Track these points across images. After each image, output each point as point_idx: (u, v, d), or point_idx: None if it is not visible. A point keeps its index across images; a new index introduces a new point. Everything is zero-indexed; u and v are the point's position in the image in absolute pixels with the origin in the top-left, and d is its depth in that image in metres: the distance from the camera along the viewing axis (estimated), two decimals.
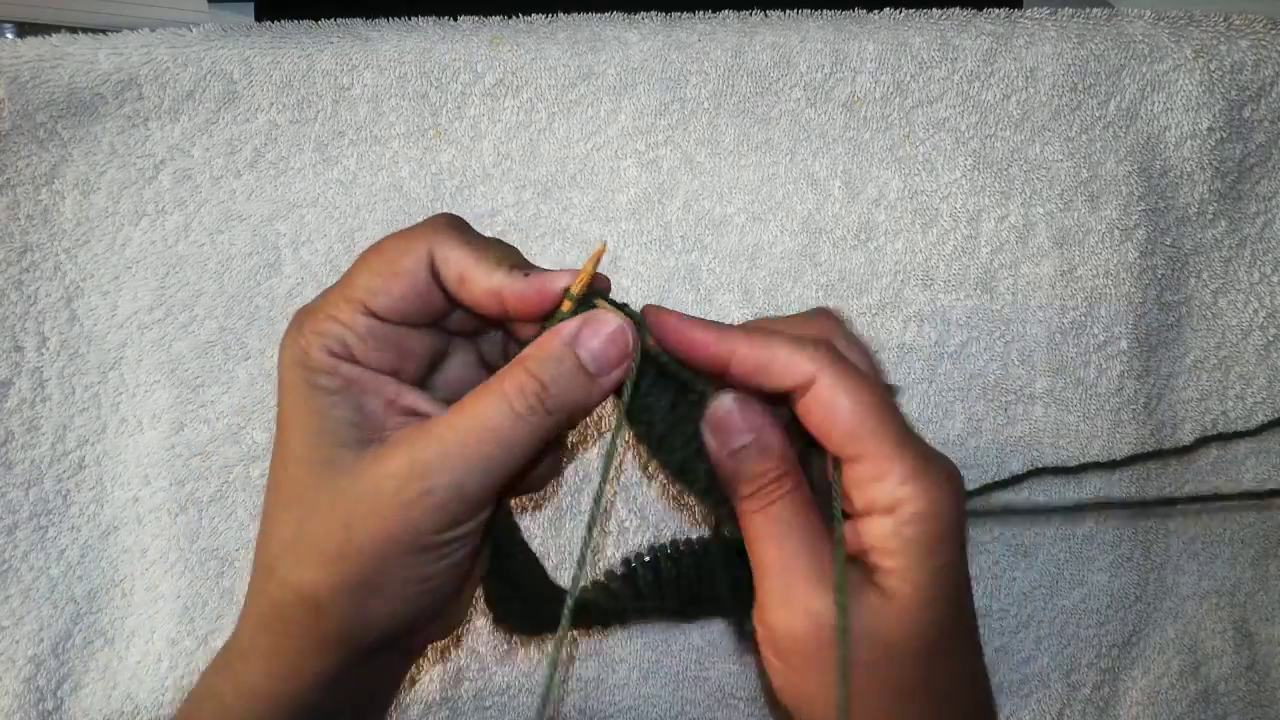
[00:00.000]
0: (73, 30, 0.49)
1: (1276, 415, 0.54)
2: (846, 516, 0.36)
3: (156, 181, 0.50)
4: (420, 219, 0.50)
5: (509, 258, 0.36)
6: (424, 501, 0.33)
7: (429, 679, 0.51)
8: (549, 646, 0.51)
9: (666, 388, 0.37)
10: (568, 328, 0.35)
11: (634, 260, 0.51)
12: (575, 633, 0.51)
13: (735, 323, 0.44)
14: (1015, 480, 0.51)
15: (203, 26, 0.49)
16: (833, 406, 0.34)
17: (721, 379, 0.36)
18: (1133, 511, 0.53)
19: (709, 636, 0.52)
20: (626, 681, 0.52)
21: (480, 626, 0.51)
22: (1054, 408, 0.52)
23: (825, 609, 0.34)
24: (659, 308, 0.36)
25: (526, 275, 0.35)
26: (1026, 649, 0.53)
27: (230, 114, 0.50)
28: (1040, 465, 0.52)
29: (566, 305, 0.35)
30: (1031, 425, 0.52)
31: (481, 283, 0.35)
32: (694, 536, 0.44)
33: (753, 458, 0.36)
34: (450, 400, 0.38)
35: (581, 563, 0.35)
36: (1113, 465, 0.52)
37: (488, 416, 0.34)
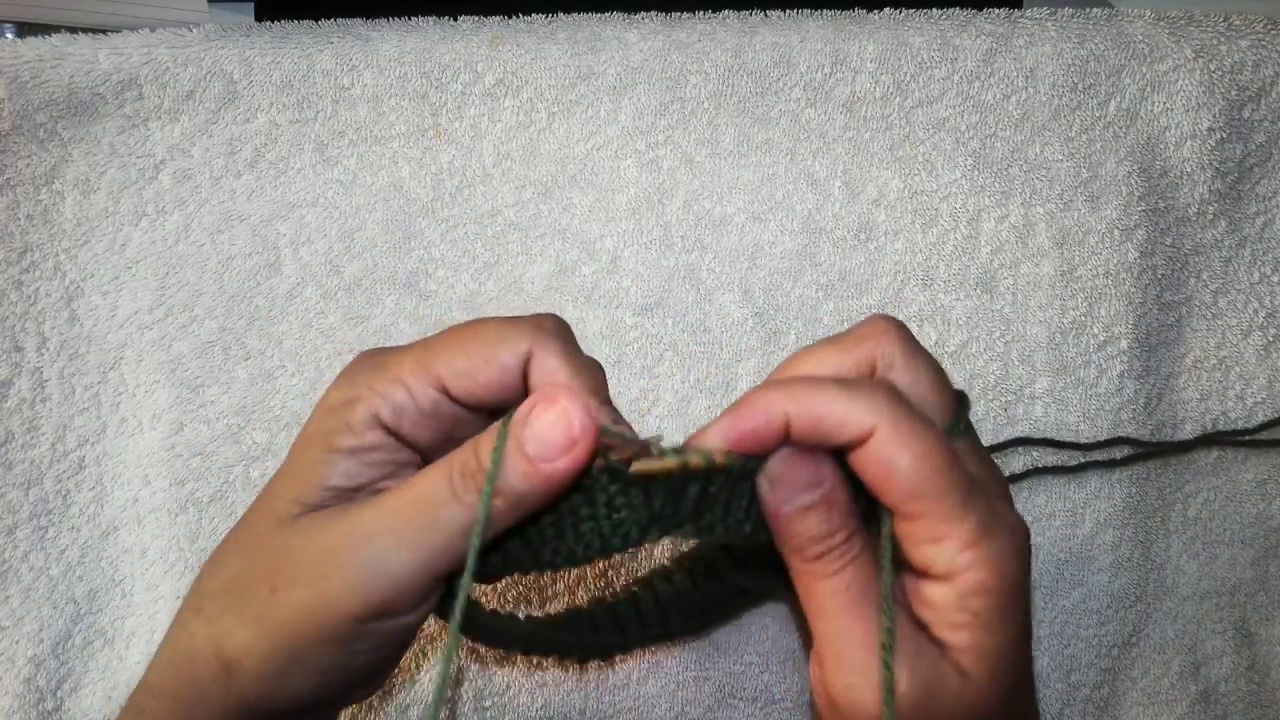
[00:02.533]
0: (73, 30, 0.49)
1: (1276, 415, 0.54)
2: (898, 568, 0.33)
3: (156, 181, 0.50)
4: (420, 219, 0.51)
5: (601, 389, 0.34)
6: (341, 576, 0.30)
7: (429, 679, 0.51)
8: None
9: (692, 488, 0.33)
10: (518, 411, 0.31)
11: (634, 260, 0.51)
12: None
13: (737, 325, 0.43)
14: (1014, 480, 0.51)
15: (203, 26, 0.49)
16: (892, 463, 0.30)
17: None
18: (1133, 510, 0.53)
19: (709, 637, 0.52)
20: (627, 682, 0.52)
21: None
22: (1054, 408, 0.52)
23: (905, 686, 0.31)
24: (707, 432, 0.32)
25: (615, 420, 0.32)
26: None
27: (230, 114, 0.50)
28: (1040, 465, 0.52)
29: (646, 469, 0.31)
30: (1031, 425, 0.52)
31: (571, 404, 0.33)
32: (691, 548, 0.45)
33: (820, 514, 0.32)
34: None
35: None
36: (1112, 464, 0.52)
37: (423, 492, 0.31)
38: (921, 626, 0.32)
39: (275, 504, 0.33)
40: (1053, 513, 0.53)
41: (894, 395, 0.31)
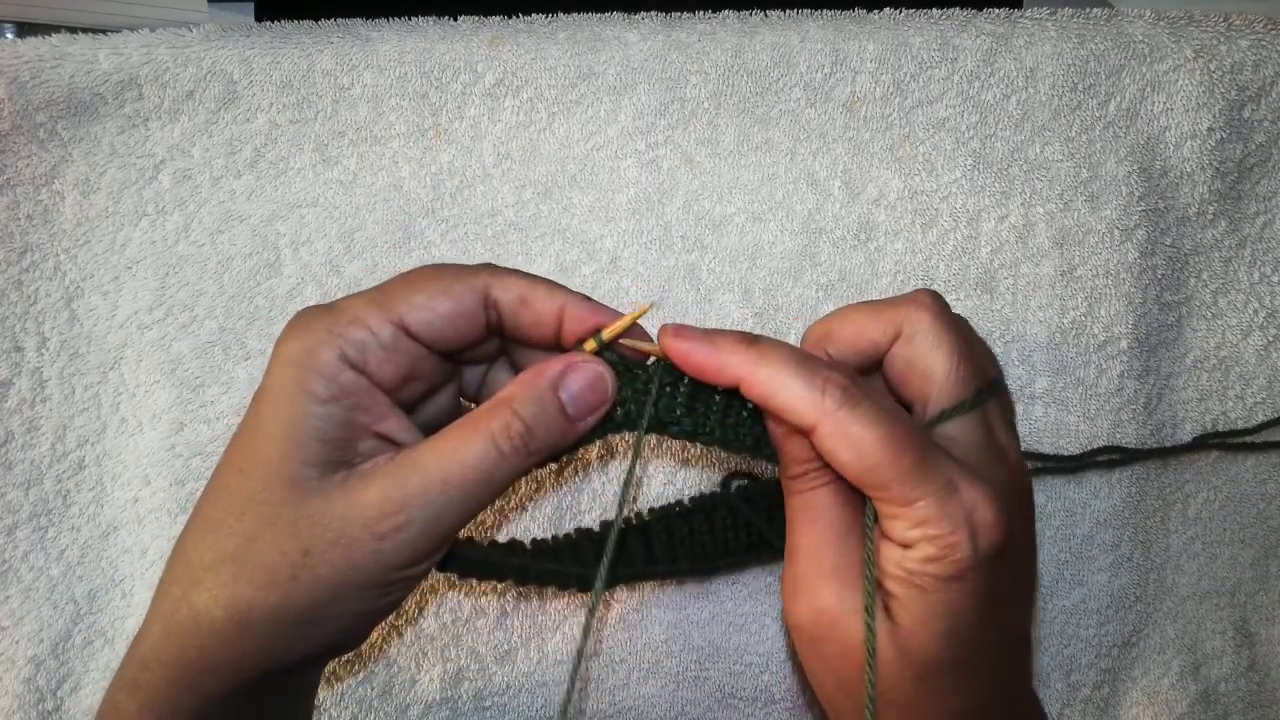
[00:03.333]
0: (73, 30, 0.49)
1: (1276, 415, 0.54)
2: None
3: (156, 181, 0.50)
4: (420, 219, 0.51)
5: (563, 286, 0.37)
6: (396, 536, 0.33)
7: (429, 679, 0.51)
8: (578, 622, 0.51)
9: (692, 389, 0.37)
10: (551, 369, 0.35)
11: (634, 260, 0.51)
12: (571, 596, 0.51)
13: (737, 325, 0.44)
14: None
15: (203, 26, 0.49)
16: (834, 453, 0.33)
17: None
18: (1133, 510, 0.53)
19: (709, 637, 0.52)
20: (627, 682, 0.51)
21: (480, 626, 0.51)
22: (1054, 408, 0.52)
23: (832, 604, 0.34)
24: (674, 331, 0.36)
25: (587, 299, 0.37)
26: None
27: (230, 114, 0.50)
28: (1040, 465, 0.52)
29: (590, 345, 0.37)
30: (1031, 425, 0.52)
31: (546, 299, 0.36)
32: (714, 491, 0.45)
33: (802, 440, 0.35)
34: (424, 428, 0.38)
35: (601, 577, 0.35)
36: (1111, 464, 0.52)
37: (471, 454, 0.33)
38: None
39: (274, 466, 0.33)
40: (1052, 513, 0.53)
41: (845, 391, 0.33)
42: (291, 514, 0.33)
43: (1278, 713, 0.55)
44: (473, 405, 0.41)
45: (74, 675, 0.50)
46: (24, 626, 0.49)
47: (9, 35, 0.54)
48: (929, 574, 0.33)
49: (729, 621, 0.52)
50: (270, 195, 0.51)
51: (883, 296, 0.51)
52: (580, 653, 0.34)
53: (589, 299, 0.37)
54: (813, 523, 0.35)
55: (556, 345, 0.38)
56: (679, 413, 0.37)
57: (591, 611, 0.35)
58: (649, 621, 0.51)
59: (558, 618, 0.51)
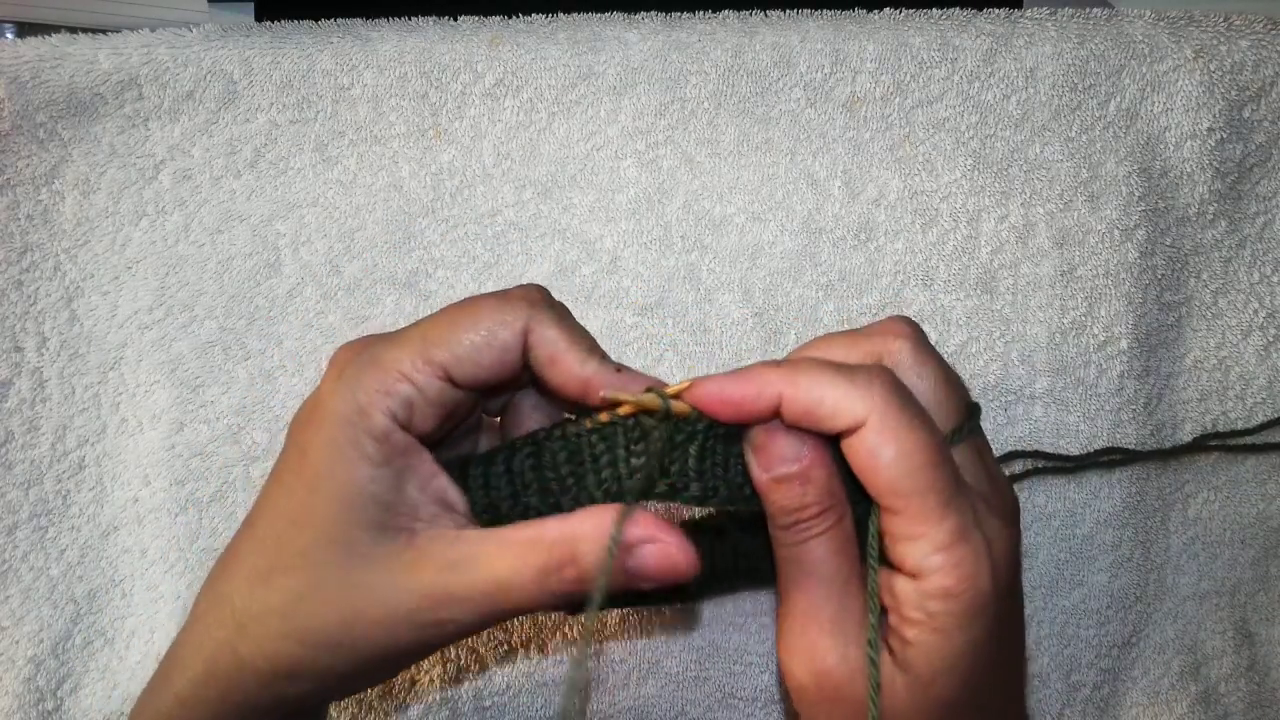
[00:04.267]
0: (73, 30, 0.49)
1: (1277, 415, 0.54)
2: (884, 562, 0.33)
3: (156, 181, 0.50)
4: (420, 219, 0.51)
5: (598, 349, 0.35)
6: (437, 629, 0.33)
7: (429, 679, 0.51)
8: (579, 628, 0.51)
9: (694, 442, 0.34)
10: (633, 533, 0.32)
11: (634, 260, 0.51)
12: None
13: (737, 325, 0.44)
14: (1014, 479, 0.51)
15: (203, 26, 0.49)
16: (876, 455, 0.31)
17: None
18: (1133, 510, 0.53)
19: (709, 637, 0.52)
20: (627, 682, 0.52)
21: None
22: (1054, 408, 0.52)
23: (835, 666, 0.32)
24: (703, 382, 0.33)
25: (618, 371, 0.34)
26: (1027, 649, 0.53)
27: (230, 114, 0.50)
28: (1041, 465, 0.52)
29: (625, 409, 0.33)
30: (1031, 425, 0.52)
31: (575, 369, 0.34)
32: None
33: (794, 488, 0.33)
34: (439, 443, 0.37)
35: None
36: (1112, 464, 0.52)
37: (523, 582, 0.32)
38: (884, 612, 0.33)
39: (328, 527, 0.32)
40: (1053, 513, 0.53)
41: (891, 387, 0.32)
42: (342, 578, 0.32)
43: (1278, 713, 0.55)
44: (496, 421, 0.40)
45: (74, 675, 0.50)
46: (24, 626, 0.49)
47: (9, 35, 0.54)
48: (950, 613, 0.31)
49: (729, 621, 0.52)
50: (270, 195, 0.51)
51: (883, 296, 0.52)
52: (572, 681, 0.34)
53: (620, 370, 0.34)
54: (807, 577, 0.34)
55: (581, 404, 0.35)
56: (690, 476, 0.34)
57: (586, 640, 0.34)
58: (649, 622, 0.51)
59: (558, 618, 0.51)
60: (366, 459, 0.32)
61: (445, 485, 0.34)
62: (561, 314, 0.35)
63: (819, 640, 0.33)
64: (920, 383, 0.35)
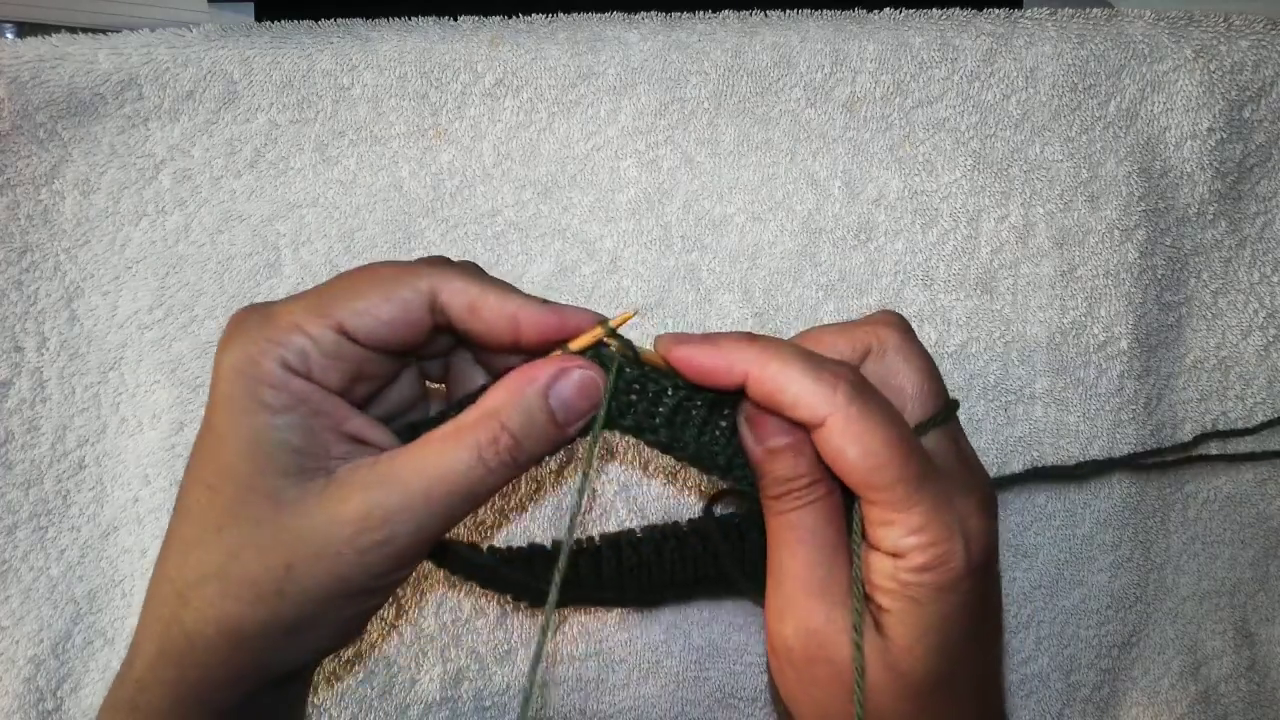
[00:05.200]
0: (73, 30, 0.49)
1: (1277, 415, 0.54)
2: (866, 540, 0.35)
3: (156, 181, 0.50)
4: (420, 219, 0.51)
5: (516, 289, 0.35)
6: (379, 550, 0.32)
7: (429, 679, 0.51)
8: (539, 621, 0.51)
9: (669, 394, 0.36)
10: (541, 373, 0.34)
11: (634, 260, 0.51)
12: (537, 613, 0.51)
13: (737, 325, 0.44)
14: (1015, 479, 0.51)
15: (203, 26, 0.49)
16: (843, 453, 0.33)
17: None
18: (1133, 511, 0.53)
19: (709, 637, 0.52)
20: (627, 682, 0.52)
21: (480, 626, 0.51)
22: (1054, 408, 0.52)
23: (822, 626, 0.34)
24: (675, 338, 0.35)
25: (544, 304, 0.35)
26: (1027, 649, 0.53)
27: (230, 114, 0.50)
28: (1040, 465, 0.52)
29: (558, 352, 0.35)
30: (1031, 425, 0.52)
31: (496, 308, 0.34)
32: (668, 522, 0.45)
33: (788, 459, 0.35)
34: (389, 418, 0.37)
35: (557, 579, 0.34)
36: (1112, 465, 0.52)
37: (456, 467, 0.33)
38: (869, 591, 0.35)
39: (245, 480, 0.32)
40: (1053, 513, 0.53)
41: (855, 385, 0.33)
42: (271, 527, 0.32)
43: (1278, 713, 0.55)
44: (440, 388, 0.40)
45: (74, 675, 0.50)
46: (24, 626, 0.49)
47: (9, 35, 0.54)
48: (923, 584, 0.32)
49: (729, 621, 0.52)
50: (270, 195, 0.51)
51: (883, 296, 0.52)
52: (532, 672, 0.33)
53: (545, 302, 0.35)
54: (798, 543, 0.35)
55: (515, 348, 0.36)
56: (658, 421, 0.36)
57: (544, 630, 0.33)
58: (649, 621, 0.51)
59: (557, 618, 0.51)
60: (265, 407, 0.32)
61: (364, 425, 0.34)
62: (471, 269, 0.36)
63: (807, 602, 0.34)
64: (906, 367, 0.36)
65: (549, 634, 0.35)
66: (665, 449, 0.37)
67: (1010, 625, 0.53)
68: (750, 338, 0.35)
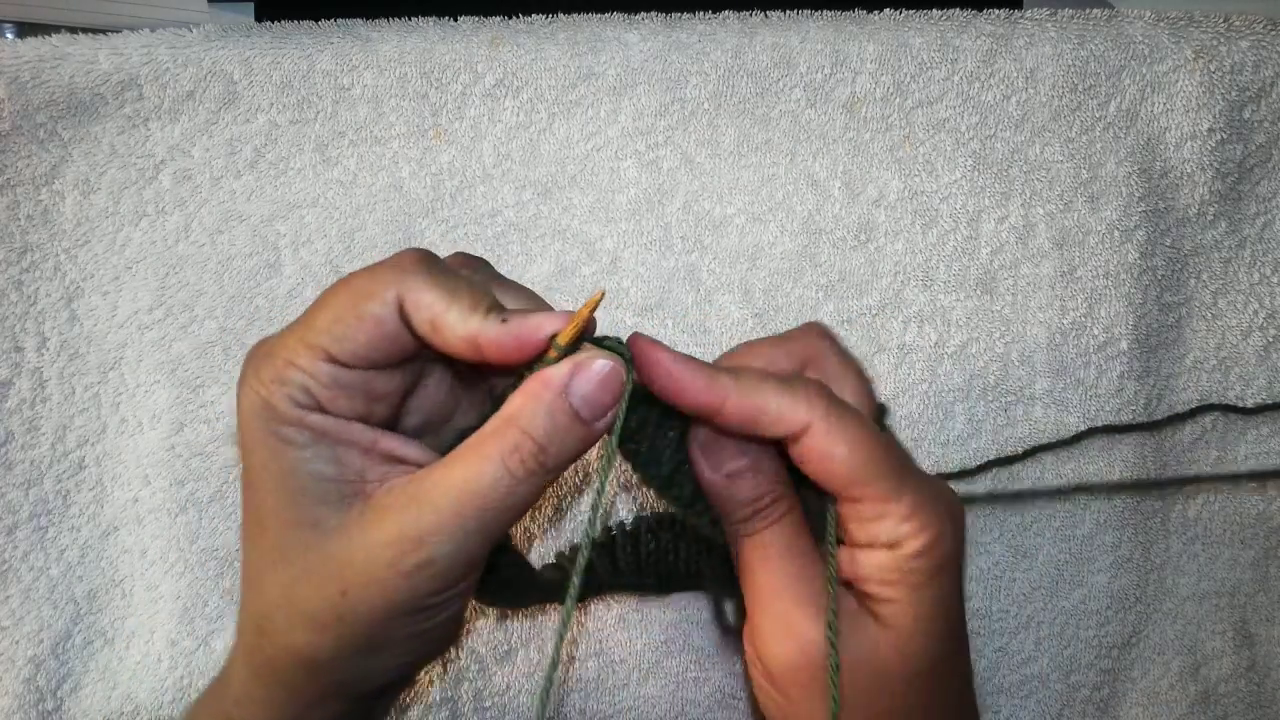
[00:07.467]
0: (73, 30, 0.49)
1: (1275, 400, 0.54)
2: (840, 543, 0.36)
3: (156, 181, 0.50)
4: (420, 219, 0.51)
5: (483, 301, 0.33)
6: (423, 571, 0.32)
7: (429, 679, 0.51)
8: (553, 626, 0.51)
9: (647, 406, 0.36)
10: (557, 375, 0.32)
11: (634, 261, 0.51)
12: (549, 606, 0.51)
13: (737, 326, 0.44)
14: (1015, 459, 0.51)
15: (203, 26, 0.49)
16: (830, 455, 0.33)
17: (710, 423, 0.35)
18: (1133, 511, 0.53)
19: (710, 637, 0.52)
20: (627, 682, 0.52)
21: (480, 626, 0.51)
22: (1054, 408, 0.52)
23: (817, 637, 0.34)
24: (647, 341, 0.34)
25: (504, 321, 0.32)
26: (1027, 650, 0.53)
27: (230, 114, 0.50)
28: (1038, 444, 0.51)
29: (552, 354, 0.33)
30: (1031, 426, 0.52)
31: (456, 330, 0.32)
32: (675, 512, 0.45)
33: (748, 481, 0.35)
34: (426, 426, 0.37)
35: (578, 573, 0.34)
36: (1111, 430, 0.51)
37: (482, 481, 0.32)
38: (847, 586, 0.36)
39: (288, 515, 0.33)
40: (1053, 512, 0.53)
41: (827, 393, 0.34)
42: (319, 556, 0.32)
43: (1278, 713, 0.55)
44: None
45: (74, 675, 0.50)
46: (24, 626, 0.49)
47: (9, 35, 0.54)
48: (921, 569, 0.33)
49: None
50: (270, 195, 0.51)
51: (883, 297, 0.52)
52: (549, 677, 0.33)
53: (506, 317, 0.32)
54: (779, 558, 0.35)
55: (488, 368, 0.34)
56: (660, 444, 0.36)
57: (560, 636, 0.33)
58: (649, 621, 0.51)
59: (558, 618, 0.51)
60: (290, 444, 0.32)
61: (396, 444, 0.34)
62: (437, 273, 0.33)
63: (799, 617, 0.34)
64: (845, 374, 0.38)
65: (565, 635, 0.35)
66: (643, 469, 0.37)
67: (1010, 625, 0.53)
68: (710, 369, 0.34)
